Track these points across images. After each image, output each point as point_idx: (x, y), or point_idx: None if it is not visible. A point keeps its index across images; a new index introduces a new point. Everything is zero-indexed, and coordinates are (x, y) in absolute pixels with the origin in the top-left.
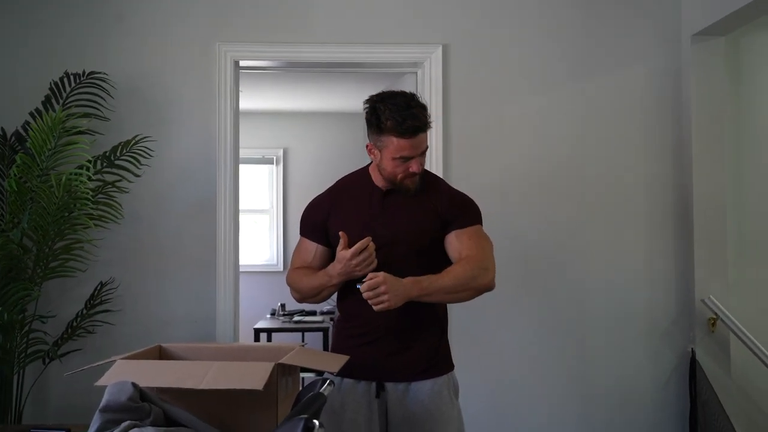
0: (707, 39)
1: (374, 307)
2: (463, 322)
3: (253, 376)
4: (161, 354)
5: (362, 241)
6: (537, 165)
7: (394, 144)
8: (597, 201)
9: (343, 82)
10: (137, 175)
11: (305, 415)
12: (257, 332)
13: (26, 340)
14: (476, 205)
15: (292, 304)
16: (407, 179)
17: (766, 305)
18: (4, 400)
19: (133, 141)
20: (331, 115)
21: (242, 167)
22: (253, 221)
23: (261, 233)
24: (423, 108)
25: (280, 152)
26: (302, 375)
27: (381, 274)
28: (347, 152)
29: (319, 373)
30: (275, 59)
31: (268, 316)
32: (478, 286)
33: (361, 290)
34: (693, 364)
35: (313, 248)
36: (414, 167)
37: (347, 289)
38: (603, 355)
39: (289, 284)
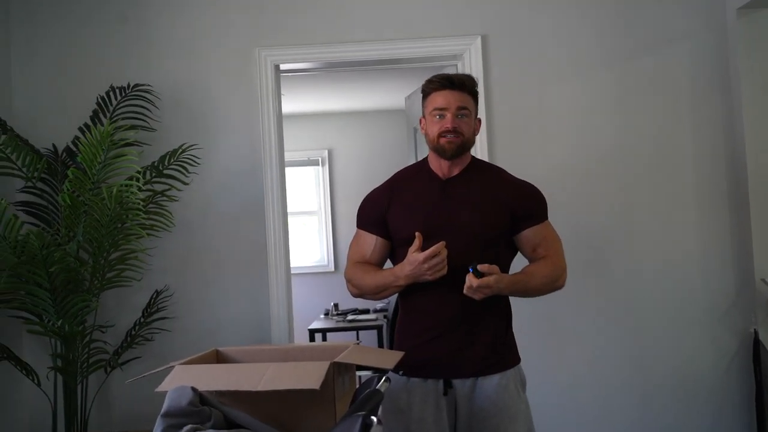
0: (753, 11)
1: (465, 292)
2: (524, 314)
3: (309, 376)
4: (218, 358)
5: (436, 245)
6: (582, 151)
7: (430, 100)
8: (647, 183)
9: (384, 79)
10: (186, 183)
11: (363, 412)
12: (312, 333)
13: (88, 351)
14: (545, 198)
15: (345, 304)
16: (442, 138)
17: None
18: (70, 410)
19: (180, 150)
20: (374, 114)
21: (288, 170)
22: (302, 223)
23: (310, 235)
24: (467, 75)
25: (325, 153)
26: (360, 374)
27: (497, 274)
28: (391, 149)
29: (381, 370)
30: (314, 61)
31: (322, 316)
32: (554, 288)
33: (469, 278)
34: (756, 345)
35: (372, 241)
36: (447, 122)
37: (411, 285)
38: (661, 341)
39: (348, 279)
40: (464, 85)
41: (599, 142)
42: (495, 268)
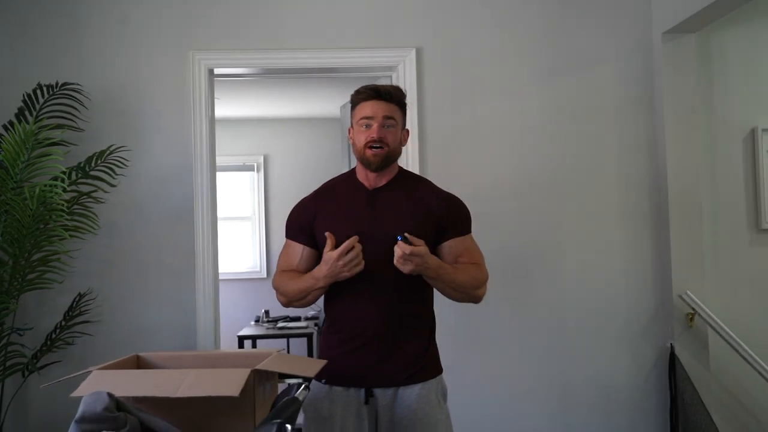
0: (678, 36)
1: (395, 263)
2: (447, 324)
3: (228, 383)
4: (139, 363)
5: (349, 240)
6: (511, 165)
7: (357, 110)
8: (572, 199)
9: (321, 87)
10: (113, 185)
11: (279, 420)
12: (241, 340)
13: (4, 353)
14: (469, 211)
15: (276, 311)
16: (368, 150)
17: (742, 299)
18: None
19: (108, 151)
20: (310, 121)
21: (223, 174)
22: (235, 228)
23: (243, 240)
24: (394, 86)
25: (261, 159)
26: (289, 381)
27: (423, 250)
28: (326, 157)
29: (306, 379)
30: (249, 66)
31: (252, 323)
32: (475, 296)
33: (399, 246)
34: (672, 359)
35: (300, 250)
36: (373, 132)
37: (334, 294)
38: (582, 352)
39: (275, 287)
40: (391, 95)
41: (528, 159)
42: (422, 241)
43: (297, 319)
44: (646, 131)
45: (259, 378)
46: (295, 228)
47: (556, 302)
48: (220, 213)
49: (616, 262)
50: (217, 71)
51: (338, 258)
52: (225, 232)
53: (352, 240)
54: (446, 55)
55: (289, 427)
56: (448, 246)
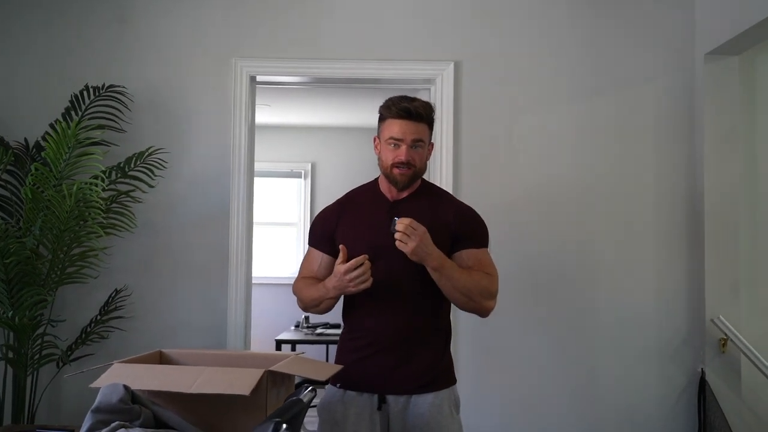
0: (721, 58)
1: (397, 245)
2: (469, 337)
3: (241, 382)
4: (161, 359)
5: (358, 258)
6: (547, 182)
7: (386, 126)
8: (607, 219)
9: (366, 97)
10: (151, 186)
11: (277, 419)
12: (279, 343)
13: (40, 344)
14: (485, 225)
15: (316, 317)
16: (395, 168)
17: None
18: (18, 402)
19: (147, 152)
20: (357, 131)
21: (270, 180)
22: (281, 234)
23: (288, 246)
24: (425, 103)
25: (308, 166)
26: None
27: (422, 227)
28: (373, 167)
29: (319, 382)
30: (291, 74)
31: (292, 328)
32: (480, 306)
33: (397, 225)
34: (702, 384)
35: (319, 258)
36: (402, 155)
37: (352, 302)
38: (611, 374)
39: (294, 293)
40: (421, 117)
41: (563, 175)
42: (423, 227)
43: (336, 326)
44: (685, 151)
45: (274, 380)
46: (317, 236)
47: (585, 320)
48: (265, 218)
49: (649, 283)
50: (259, 78)
51: (345, 273)
52: (269, 237)
53: (362, 258)
54: (484, 70)
55: (284, 426)
56: (459, 256)
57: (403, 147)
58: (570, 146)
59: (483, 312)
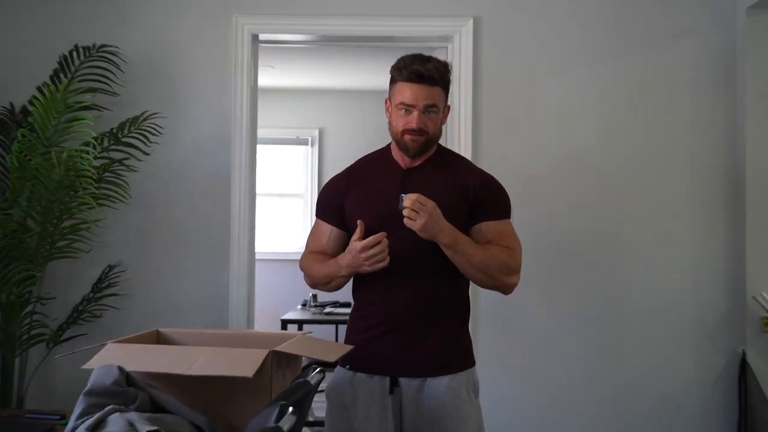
0: (765, 12)
1: (406, 222)
2: (490, 316)
3: (244, 364)
4: (159, 339)
5: (376, 235)
6: (574, 148)
7: (397, 89)
8: (639, 188)
9: (377, 57)
10: (147, 154)
11: (283, 402)
12: (285, 323)
13: (29, 323)
14: (508, 195)
15: (325, 295)
16: (406, 135)
17: None
18: (6, 385)
19: (141, 117)
20: (368, 94)
21: (275, 148)
22: (287, 206)
23: (295, 219)
24: (440, 63)
25: (316, 132)
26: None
27: (431, 202)
28: (385, 133)
29: (328, 364)
30: (297, 32)
31: (299, 307)
32: (500, 283)
33: (405, 201)
34: (743, 365)
35: (328, 230)
36: (413, 121)
37: (362, 277)
38: (644, 354)
39: (302, 269)
40: (435, 80)
41: (592, 141)
42: (433, 202)
43: (346, 305)
44: (724, 114)
45: (279, 361)
46: (325, 207)
47: (615, 298)
48: (269, 189)
49: (685, 258)
50: (262, 37)
51: (361, 250)
52: (274, 209)
53: (380, 235)
54: (506, 26)
55: (290, 409)
56: (479, 229)
57: (415, 113)
58: (597, 111)
59: (504, 289)
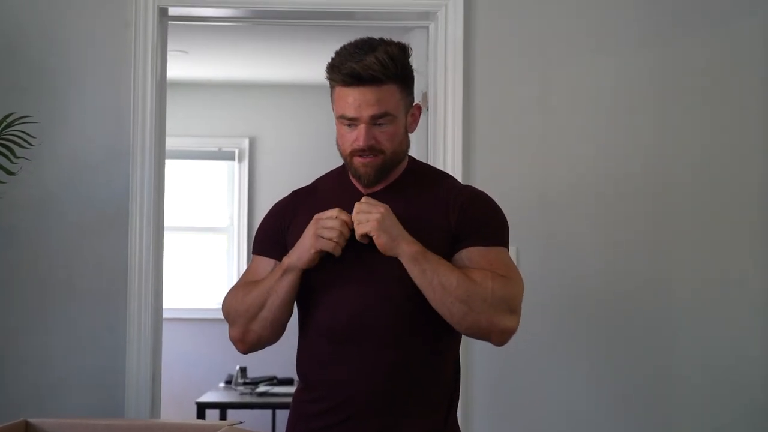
0: None
1: (355, 228)
2: (486, 381)
3: None
4: None
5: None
6: (599, 163)
7: (336, 96)
8: (686, 210)
9: (331, 40)
10: (11, 173)
11: None
12: (202, 408)
13: None
14: (504, 216)
15: (257, 368)
16: (356, 158)
17: None
18: None
19: (4, 123)
20: (317, 90)
21: (191, 164)
22: (205, 244)
23: (216, 262)
24: (389, 50)
25: (245, 143)
26: None
27: (383, 205)
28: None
29: None
30: (219, 5)
31: (222, 384)
32: (490, 324)
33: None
34: None
35: (269, 268)
36: (360, 139)
37: (308, 345)
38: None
39: (225, 315)
40: (378, 78)
41: (624, 151)
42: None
43: (287, 382)
44: None
45: None
46: (264, 239)
47: (659, 359)
48: (181, 221)
49: (750, 302)
50: (172, 11)
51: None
52: (189, 248)
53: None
54: (507, 1)
55: None
56: (461, 258)
57: (361, 127)
58: (630, 108)
59: (493, 331)
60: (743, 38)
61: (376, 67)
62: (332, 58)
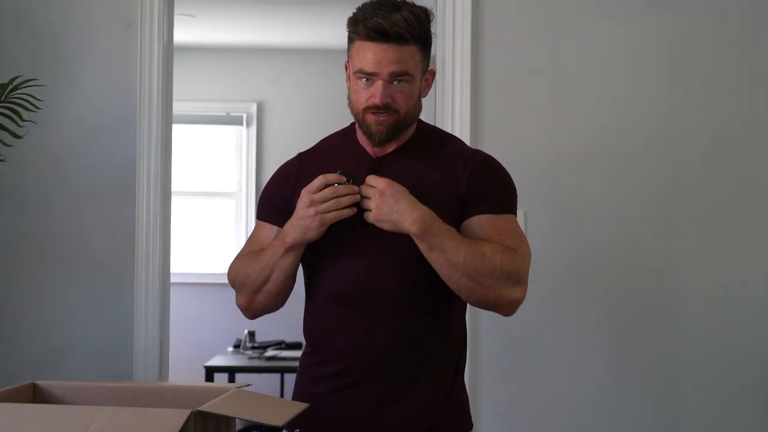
0: None
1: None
2: (494, 358)
3: (157, 428)
4: (35, 396)
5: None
6: (610, 131)
7: (355, 50)
8: (703, 186)
9: (343, 5)
10: (18, 136)
11: None
12: (210, 372)
13: None
14: (513, 182)
15: (265, 333)
16: (370, 115)
17: None
18: None
19: (10, 86)
20: (324, 54)
21: (199, 129)
22: (213, 209)
23: (224, 227)
24: (414, 11)
25: (253, 108)
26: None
27: (384, 180)
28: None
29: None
30: None
31: (230, 349)
32: (498, 296)
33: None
34: None
35: (272, 234)
36: (376, 95)
37: (316, 309)
38: (704, 417)
39: (231, 279)
40: (405, 37)
41: (638, 118)
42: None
43: (295, 346)
44: None
45: (205, 425)
46: (269, 206)
47: (670, 340)
48: (189, 186)
49: (766, 286)
50: None
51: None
52: (196, 214)
53: (338, 177)
54: None
55: None
56: (470, 225)
57: (378, 83)
58: (645, 77)
59: (502, 305)
60: (758, 4)
61: (402, 24)
62: (355, 13)
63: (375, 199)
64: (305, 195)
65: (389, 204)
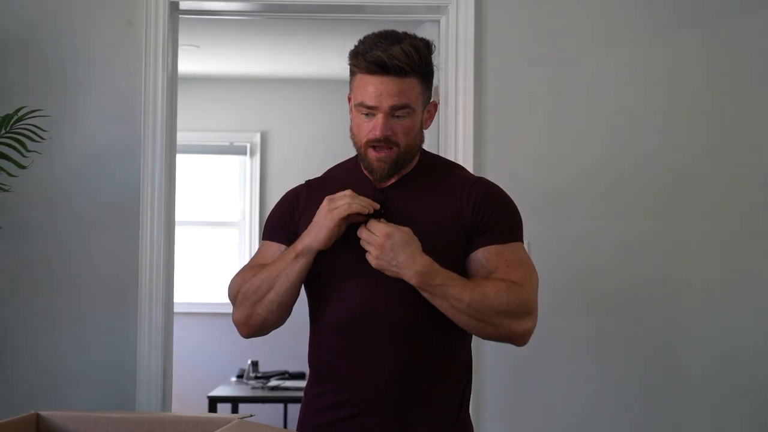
0: None
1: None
2: (498, 377)
3: None
4: (38, 426)
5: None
6: (611, 158)
7: (356, 84)
8: (705, 208)
9: (343, 34)
10: (23, 167)
11: None
12: (213, 402)
13: None
14: (518, 210)
15: (268, 363)
16: (370, 150)
17: None
18: None
19: (15, 117)
20: (329, 84)
21: (202, 159)
22: (216, 239)
23: (227, 256)
24: (415, 44)
25: (257, 138)
26: None
27: (383, 228)
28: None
29: None
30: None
31: (233, 379)
32: (508, 331)
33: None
34: None
35: (278, 252)
36: (377, 129)
37: (319, 340)
38: None
39: (231, 297)
40: (404, 70)
41: (635, 145)
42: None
43: (299, 376)
44: None
45: None
46: (274, 226)
47: (670, 362)
48: (193, 215)
49: (766, 298)
50: (183, 5)
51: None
52: (200, 243)
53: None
54: None
55: None
56: (476, 259)
57: (379, 117)
58: (646, 103)
59: (514, 338)
60: (752, 34)
61: (402, 57)
62: (356, 46)
63: (375, 248)
64: (326, 200)
65: (389, 256)
